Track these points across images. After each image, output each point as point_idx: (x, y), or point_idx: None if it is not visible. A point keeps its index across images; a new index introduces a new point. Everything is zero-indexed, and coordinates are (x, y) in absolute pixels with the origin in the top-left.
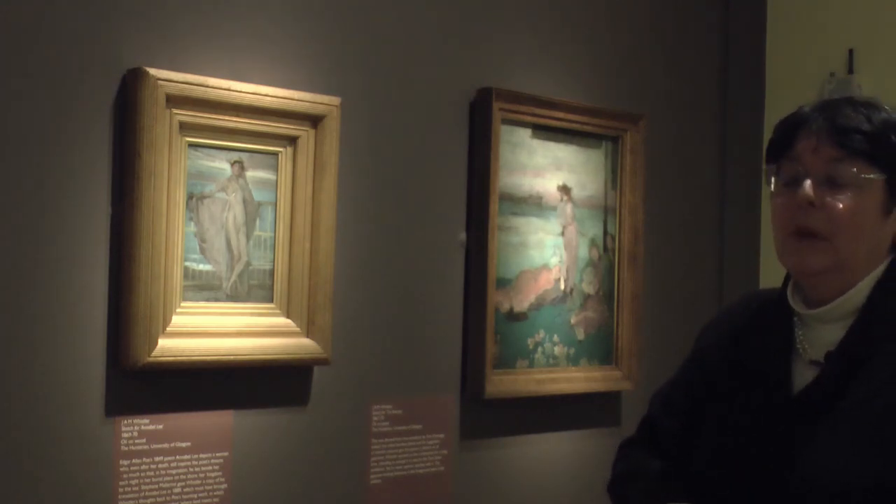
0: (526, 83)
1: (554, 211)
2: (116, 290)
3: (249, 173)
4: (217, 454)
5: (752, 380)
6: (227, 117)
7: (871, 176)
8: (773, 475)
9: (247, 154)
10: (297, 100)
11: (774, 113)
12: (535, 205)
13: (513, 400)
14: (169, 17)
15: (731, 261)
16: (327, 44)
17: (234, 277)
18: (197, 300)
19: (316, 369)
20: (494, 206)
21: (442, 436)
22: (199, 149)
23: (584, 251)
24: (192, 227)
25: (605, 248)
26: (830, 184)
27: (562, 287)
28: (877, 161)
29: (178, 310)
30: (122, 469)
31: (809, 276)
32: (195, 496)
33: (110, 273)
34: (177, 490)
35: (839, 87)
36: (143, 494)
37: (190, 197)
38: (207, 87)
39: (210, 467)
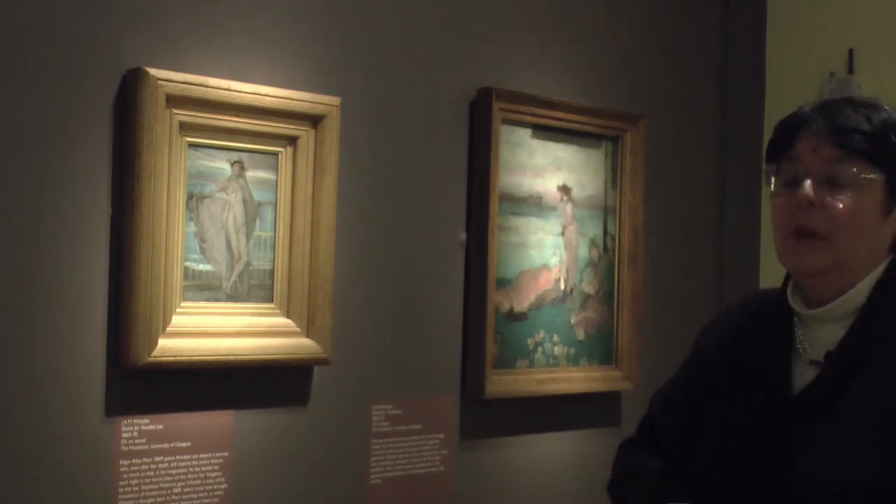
0: (526, 83)
1: (554, 211)
2: (116, 290)
3: (249, 173)
4: (217, 454)
5: (752, 380)
6: (227, 117)
7: (871, 176)
8: (773, 475)
9: (247, 154)
10: (297, 100)
11: (774, 113)
12: (535, 205)
13: (513, 400)
14: (169, 17)
15: (731, 261)
16: (327, 44)
17: (234, 277)
18: (197, 300)
19: (316, 369)
20: (494, 206)
21: (442, 436)
22: (199, 149)
23: (584, 251)
24: (192, 227)
25: (605, 248)
26: (830, 184)
27: (562, 287)
28: (877, 161)
29: (178, 310)
30: (122, 469)
31: (809, 276)
32: (195, 496)
33: (110, 273)
34: (177, 490)
35: (839, 87)
36: (143, 494)
37: (190, 197)
38: (207, 87)
39: (210, 467)
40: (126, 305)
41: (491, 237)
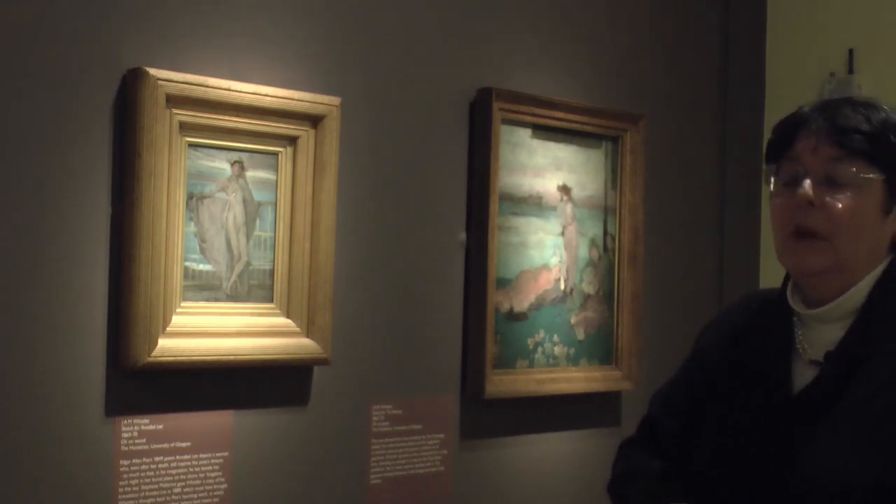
0: (526, 83)
1: (554, 211)
2: (116, 290)
3: (249, 173)
4: (217, 454)
5: (752, 380)
6: (227, 117)
7: (871, 176)
8: (772, 475)
9: (247, 154)
10: (297, 100)
11: (774, 113)
12: (535, 205)
13: (513, 400)
14: (169, 17)
15: (731, 261)
16: (327, 44)
17: (234, 277)
18: (197, 300)
19: (316, 369)
20: (494, 206)
21: (442, 436)
22: (199, 149)
23: (584, 251)
24: (192, 227)
25: (605, 248)
26: (830, 183)
27: (562, 287)
28: (876, 161)
29: (178, 310)
30: (122, 469)
31: (809, 276)
32: (195, 496)
33: (110, 273)
34: (177, 490)
35: (839, 87)
36: (143, 494)
37: (190, 197)
38: (207, 87)
39: (210, 467)
40: (126, 305)
41: (491, 237)
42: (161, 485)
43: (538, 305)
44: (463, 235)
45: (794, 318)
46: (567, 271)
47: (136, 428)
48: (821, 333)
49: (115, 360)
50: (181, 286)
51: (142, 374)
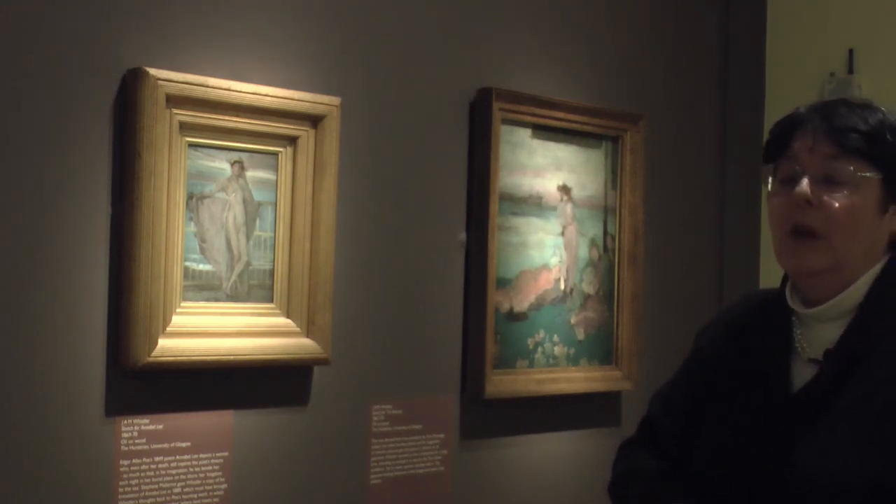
0: (526, 83)
1: (554, 211)
2: (116, 290)
3: (249, 173)
4: (217, 454)
5: (752, 379)
6: (227, 117)
7: (868, 174)
8: (772, 474)
9: (247, 154)
10: (297, 100)
11: (774, 113)
12: (535, 205)
13: (513, 400)
14: (169, 17)
15: (731, 261)
16: (327, 44)
17: (234, 277)
18: (197, 300)
19: (316, 369)
20: (494, 206)
21: (442, 436)
22: (199, 149)
23: (584, 251)
24: (192, 227)
25: (605, 248)
26: (827, 182)
27: (562, 287)
28: (873, 160)
29: (178, 310)
30: (122, 469)
31: (808, 276)
32: (195, 496)
33: (110, 273)
34: (177, 490)
35: (839, 87)
36: (143, 494)
37: (190, 197)
38: (207, 87)
39: (210, 467)
40: (126, 305)
41: (491, 237)
42: (161, 485)
43: (538, 305)
44: (463, 235)
45: (793, 318)
46: (567, 271)
47: (136, 428)
48: (819, 332)
49: (115, 360)
50: (181, 286)
51: (142, 374)
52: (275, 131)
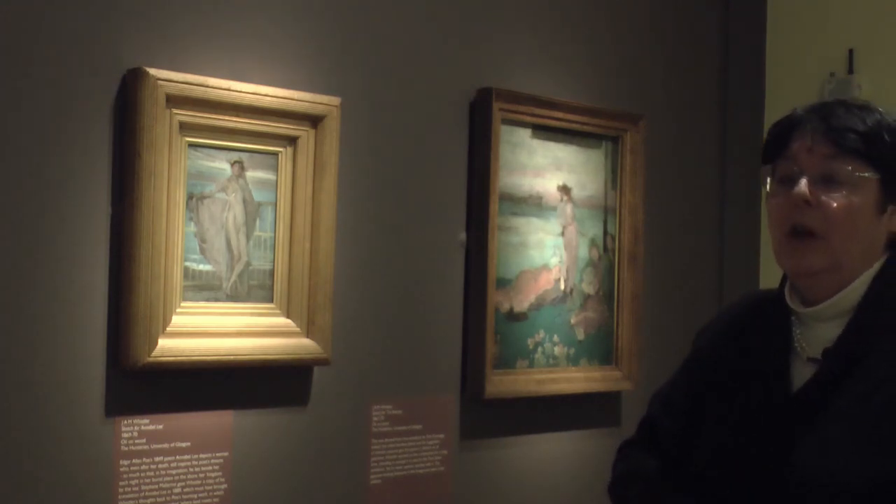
0: (526, 83)
1: (554, 211)
2: (116, 290)
3: (249, 173)
4: (217, 454)
5: (752, 379)
6: (227, 117)
7: (866, 174)
8: (772, 474)
9: (247, 154)
10: (297, 100)
11: (774, 113)
12: (535, 205)
13: (513, 400)
14: (169, 17)
15: (731, 261)
16: (327, 44)
17: (234, 277)
18: (197, 300)
19: (316, 369)
20: (494, 206)
21: (442, 436)
22: (199, 149)
23: (584, 251)
24: (192, 227)
25: (605, 248)
26: (825, 182)
27: (562, 287)
28: (871, 160)
29: (178, 310)
30: (122, 469)
31: (806, 276)
32: (195, 496)
33: (110, 273)
34: (177, 490)
35: (839, 87)
36: (143, 494)
37: (190, 197)
38: (207, 87)
39: (210, 467)
40: (126, 305)
41: (491, 237)
42: (161, 485)
43: (538, 305)
44: (463, 235)
45: (793, 318)
46: (567, 271)
47: (136, 428)
48: (818, 332)
49: (115, 360)
50: (181, 286)
51: (142, 374)
52: (275, 131)
